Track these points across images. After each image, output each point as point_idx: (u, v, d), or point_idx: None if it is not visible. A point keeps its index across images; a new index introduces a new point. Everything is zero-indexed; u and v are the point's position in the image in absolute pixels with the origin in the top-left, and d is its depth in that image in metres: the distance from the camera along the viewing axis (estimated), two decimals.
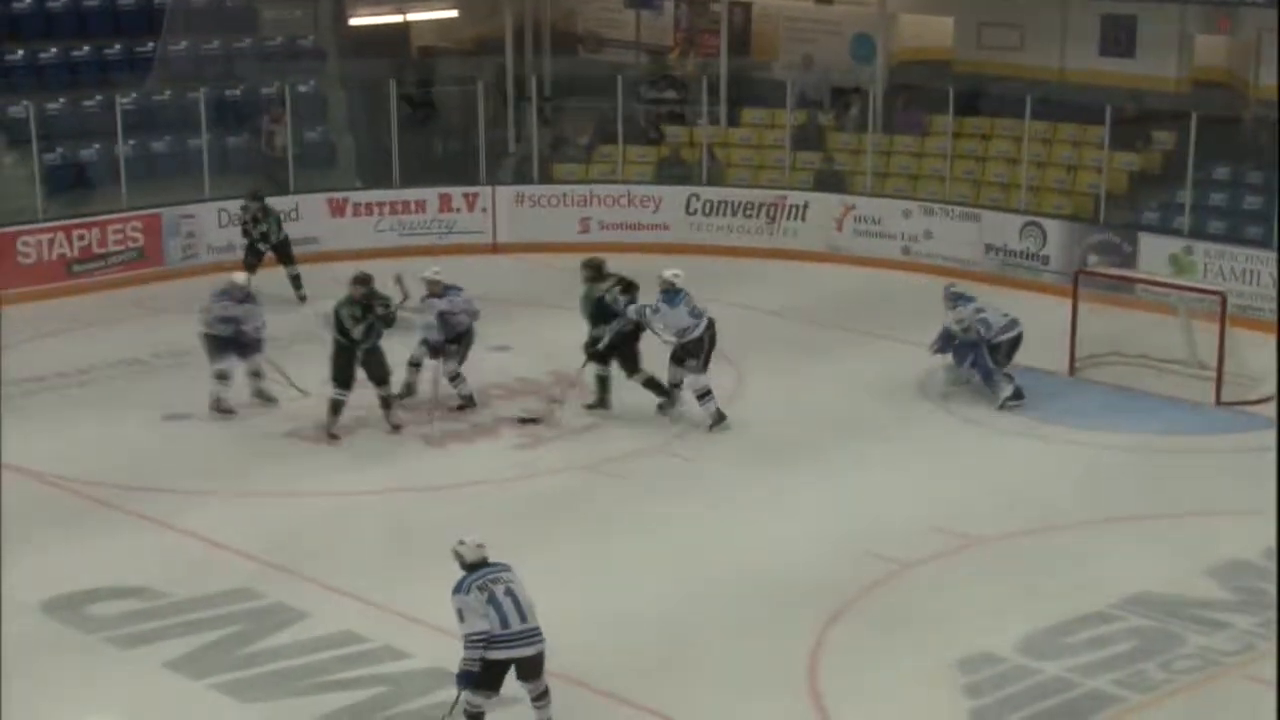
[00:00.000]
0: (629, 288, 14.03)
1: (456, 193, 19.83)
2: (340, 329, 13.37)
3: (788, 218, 19.62)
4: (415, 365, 14.23)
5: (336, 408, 13.48)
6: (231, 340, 14.00)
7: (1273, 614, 10.38)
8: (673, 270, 13.96)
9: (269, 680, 9.60)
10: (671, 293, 13.70)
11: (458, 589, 8.55)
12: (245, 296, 14.20)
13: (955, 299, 14.63)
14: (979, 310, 14.41)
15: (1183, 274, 16.76)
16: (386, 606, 10.38)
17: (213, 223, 18.88)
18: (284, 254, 17.74)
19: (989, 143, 19.65)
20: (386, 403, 13.67)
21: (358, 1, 23.15)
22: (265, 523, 11.88)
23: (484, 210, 19.87)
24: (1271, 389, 14.40)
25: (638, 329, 13.91)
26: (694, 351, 13.62)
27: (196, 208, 18.93)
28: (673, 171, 20.32)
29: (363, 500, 12.36)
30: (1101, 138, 18.30)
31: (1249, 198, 17.76)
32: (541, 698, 8.69)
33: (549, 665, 8.78)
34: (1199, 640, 10.05)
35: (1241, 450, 13.17)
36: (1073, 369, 15.09)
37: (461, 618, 8.52)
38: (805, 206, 19.66)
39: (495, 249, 19.78)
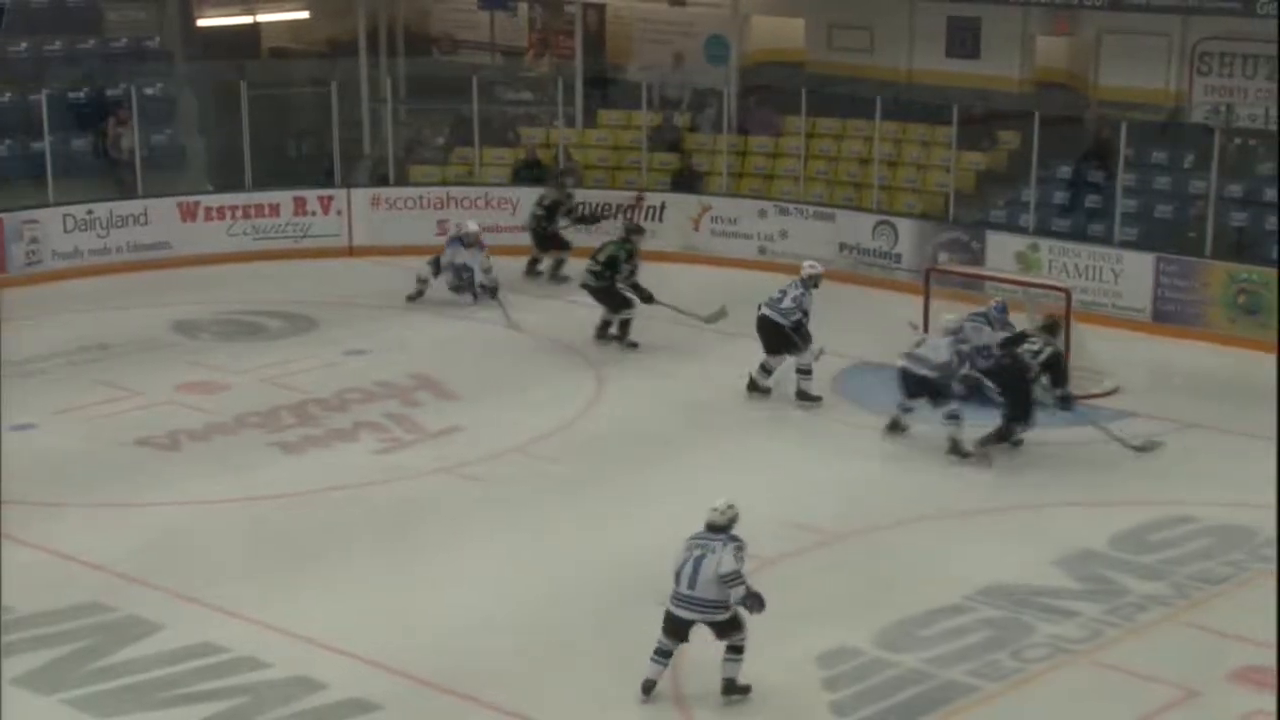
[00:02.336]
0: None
1: (311, 196, 19.58)
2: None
3: (645, 218, 19.71)
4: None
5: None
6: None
7: (1119, 601, 10.71)
8: (810, 262, 14.76)
9: (124, 694, 9.41)
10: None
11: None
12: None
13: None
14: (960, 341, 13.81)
15: (1029, 270, 17.19)
16: (244, 616, 10.23)
17: (58, 228, 18.40)
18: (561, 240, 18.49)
19: (841, 143, 19.93)
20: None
21: (205, 2, 22.78)
22: (116, 533, 11.62)
23: (339, 213, 19.66)
24: (1115, 383, 14.89)
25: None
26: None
27: (40, 213, 18.45)
28: (530, 173, 20.30)
29: (217, 508, 12.14)
30: (949, 137, 18.68)
31: (1090, 196, 18.25)
32: (730, 650, 9.30)
33: (419, 670, 8.82)
34: (1048, 629, 10.30)
35: (1088, 442, 13.52)
36: None
37: None
38: (662, 207, 19.78)
39: (351, 252, 19.57)
